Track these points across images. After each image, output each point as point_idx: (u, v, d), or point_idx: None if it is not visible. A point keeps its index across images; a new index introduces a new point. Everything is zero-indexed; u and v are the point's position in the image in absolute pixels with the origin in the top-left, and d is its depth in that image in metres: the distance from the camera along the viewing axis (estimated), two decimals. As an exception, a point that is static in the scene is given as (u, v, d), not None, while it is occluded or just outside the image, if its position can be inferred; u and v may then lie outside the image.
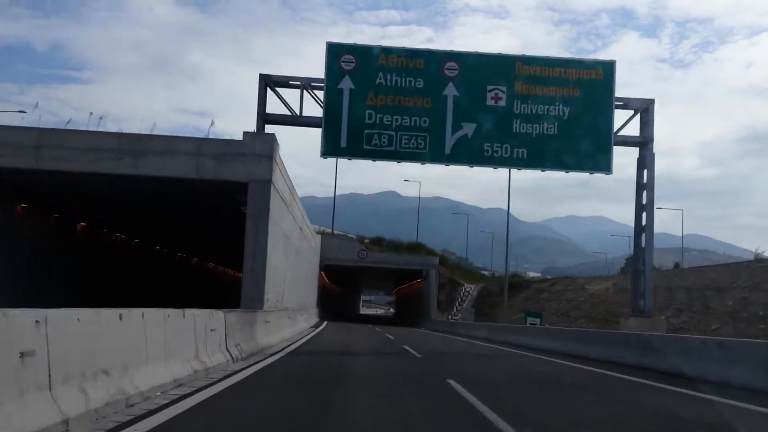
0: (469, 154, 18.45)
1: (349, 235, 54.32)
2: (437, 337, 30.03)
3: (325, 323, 40.57)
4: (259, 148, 17.88)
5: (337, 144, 18.41)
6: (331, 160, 20.10)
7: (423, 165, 18.63)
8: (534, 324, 27.18)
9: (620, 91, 19.15)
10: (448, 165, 18.54)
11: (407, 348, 18.14)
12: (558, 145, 18.65)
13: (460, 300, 52.49)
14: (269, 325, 17.57)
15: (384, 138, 18.31)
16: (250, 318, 15.07)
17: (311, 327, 32.14)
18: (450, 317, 50.05)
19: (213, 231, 31.31)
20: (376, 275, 63.35)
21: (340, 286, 71.38)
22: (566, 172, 18.98)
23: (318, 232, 51.89)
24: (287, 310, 24.22)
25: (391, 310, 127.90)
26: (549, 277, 52.89)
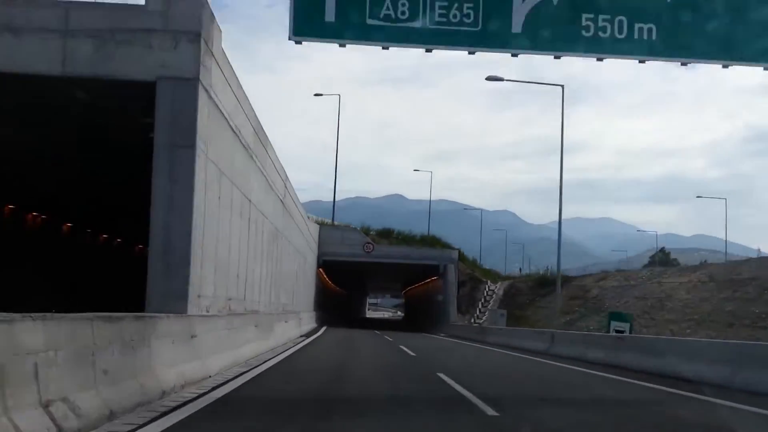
0: (553, 31, 10.30)
1: (353, 227, 46.38)
2: (472, 349, 21.96)
3: (323, 329, 32.80)
4: (174, 18, 9.84)
5: (320, 16, 10.20)
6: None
7: (473, 55, 10.54)
8: (621, 331, 19.04)
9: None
10: (516, 54, 10.48)
11: (449, 381, 10.03)
12: (711, 16, 10.53)
13: (483, 300, 44.30)
14: (199, 341, 9.54)
15: (402, 5, 10.22)
16: (124, 331, 6.97)
17: (301, 336, 24.21)
18: (473, 321, 41.92)
19: (118, 186, 19.56)
20: (384, 273, 55.23)
21: (342, 287, 63.37)
22: (724, 65, 10.81)
23: (317, 222, 43.96)
24: (255, 315, 16.25)
25: (399, 313, 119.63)
26: (594, 273, 44.59)
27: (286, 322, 21.72)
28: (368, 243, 43.68)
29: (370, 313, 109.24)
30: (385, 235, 47.88)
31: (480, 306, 43.70)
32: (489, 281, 46.86)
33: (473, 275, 47.28)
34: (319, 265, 42.86)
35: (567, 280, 44.59)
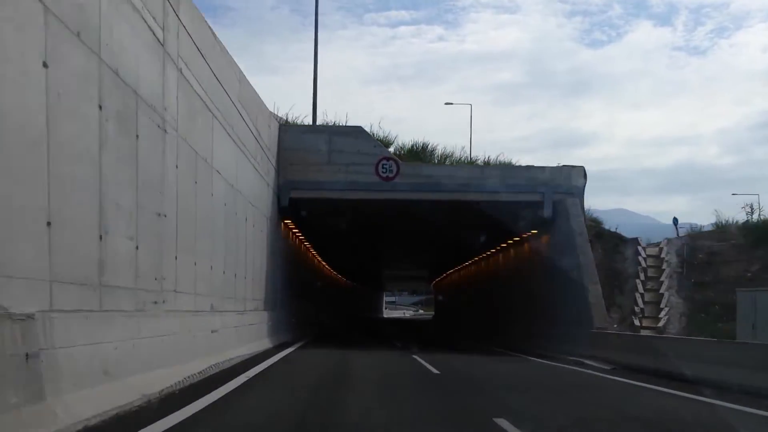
0: None
1: (354, 126, 22.64)
2: None
3: (268, 363, 9.34)
4: None
5: None
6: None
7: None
8: None
9: None
10: None
11: None
12: None
13: (644, 277, 20.45)
14: None
15: None
16: None
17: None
18: (636, 322, 18.28)
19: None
20: (409, 237, 31.14)
21: (342, 272, 39.96)
22: None
23: (282, 122, 20.34)
24: None
25: (422, 312, 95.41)
26: None
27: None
28: (387, 159, 20.12)
29: (387, 313, 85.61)
30: (416, 154, 24.05)
31: (641, 289, 19.83)
32: (639, 239, 22.94)
33: (600, 230, 23.44)
34: (281, 211, 19.46)
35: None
